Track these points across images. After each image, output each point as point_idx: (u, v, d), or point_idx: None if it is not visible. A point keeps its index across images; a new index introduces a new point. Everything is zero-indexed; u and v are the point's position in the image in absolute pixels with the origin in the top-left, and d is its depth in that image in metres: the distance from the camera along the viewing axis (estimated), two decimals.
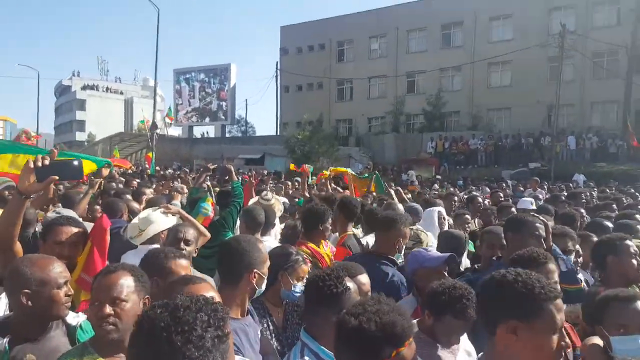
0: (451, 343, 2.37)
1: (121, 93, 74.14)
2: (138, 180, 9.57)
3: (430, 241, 4.18)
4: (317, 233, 3.85)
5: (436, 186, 17.17)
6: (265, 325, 2.53)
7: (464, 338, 2.47)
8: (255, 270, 2.25)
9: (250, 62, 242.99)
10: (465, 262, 4.37)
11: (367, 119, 36.99)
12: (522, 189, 13.72)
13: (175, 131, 52.15)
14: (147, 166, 20.41)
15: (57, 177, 2.24)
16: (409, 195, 8.88)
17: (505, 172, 23.92)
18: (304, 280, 2.49)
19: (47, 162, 2.19)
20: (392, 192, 7.25)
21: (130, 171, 14.92)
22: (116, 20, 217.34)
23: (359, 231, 4.97)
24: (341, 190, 8.55)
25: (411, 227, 4.04)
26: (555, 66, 26.18)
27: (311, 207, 4.09)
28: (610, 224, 4.46)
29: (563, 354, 1.69)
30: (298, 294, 2.53)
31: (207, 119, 44.32)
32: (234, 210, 4.65)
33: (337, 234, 4.37)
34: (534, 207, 6.46)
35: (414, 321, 2.44)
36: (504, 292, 1.72)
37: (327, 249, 3.94)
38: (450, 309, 2.32)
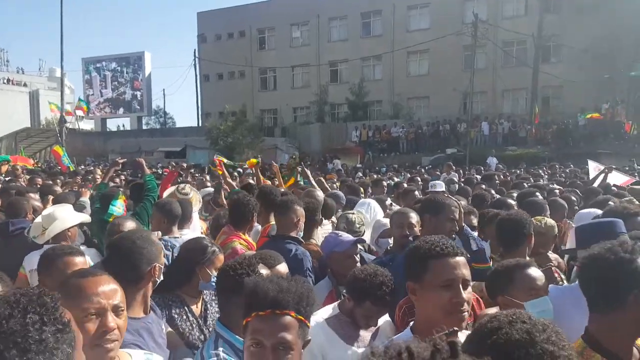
0: (369, 325, 2.43)
1: (25, 85, 67.72)
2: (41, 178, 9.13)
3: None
4: (246, 224, 3.82)
5: (359, 174, 17.24)
6: (185, 317, 2.52)
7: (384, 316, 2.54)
8: (156, 264, 2.19)
9: (166, 50, 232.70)
10: None
11: (292, 108, 36.64)
12: (438, 173, 14.07)
13: (87, 125, 48.88)
14: (56, 162, 18.80)
15: None
16: (337, 184, 9.00)
17: (425, 158, 24.67)
18: None
19: None
20: (313, 182, 7.00)
21: (33, 168, 14.14)
22: (15, 5, 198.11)
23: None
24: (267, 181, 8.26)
25: (352, 212, 4.33)
26: (469, 55, 27.23)
27: (240, 198, 3.98)
28: (513, 202, 4.84)
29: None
30: None
31: (121, 110, 42.04)
32: (148, 204, 4.51)
33: (259, 225, 4.31)
34: (443, 189, 6.67)
35: (335, 304, 2.55)
36: (405, 259, 1.95)
37: (250, 239, 3.91)
38: (370, 296, 2.36)
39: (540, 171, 13.89)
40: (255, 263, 2.15)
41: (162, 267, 2.25)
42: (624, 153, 19.81)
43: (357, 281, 2.42)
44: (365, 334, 2.43)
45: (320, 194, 4.97)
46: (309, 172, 7.25)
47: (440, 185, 7.24)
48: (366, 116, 32.52)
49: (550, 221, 3.62)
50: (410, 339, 1.64)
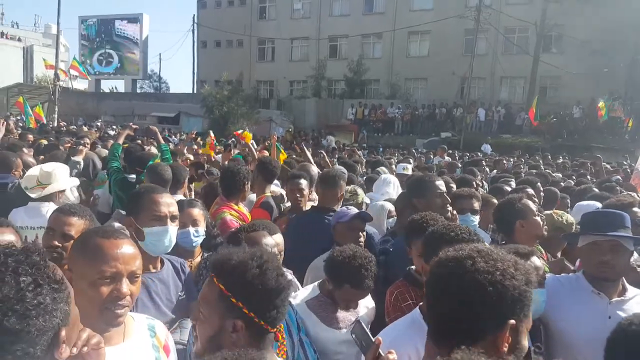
0: (349, 308, 2.39)
1: (19, 40, 66.15)
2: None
3: (365, 197, 4.41)
4: (237, 194, 3.78)
5: (360, 152, 17.26)
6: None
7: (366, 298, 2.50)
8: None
9: (165, 14, 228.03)
10: None
11: (289, 82, 36.26)
12: (432, 156, 14.07)
13: (81, 84, 48.07)
14: (22, 117, 17.99)
15: None
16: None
17: (419, 140, 24.67)
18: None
19: None
20: (308, 153, 6.87)
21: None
22: None
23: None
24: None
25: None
26: (470, 39, 27.00)
27: (230, 167, 3.95)
28: (509, 189, 4.77)
29: None
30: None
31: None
32: None
33: (255, 194, 4.30)
34: (409, 172, 6.27)
35: (315, 284, 2.47)
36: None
37: (244, 209, 3.87)
38: (349, 279, 2.28)
39: (538, 161, 13.96)
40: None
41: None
42: (617, 149, 20.04)
43: (335, 264, 2.32)
44: (346, 315, 2.37)
45: (314, 169, 4.89)
46: (308, 152, 6.96)
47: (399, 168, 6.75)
48: (363, 94, 32.26)
49: (571, 218, 3.44)
50: (420, 319, 1.69)
